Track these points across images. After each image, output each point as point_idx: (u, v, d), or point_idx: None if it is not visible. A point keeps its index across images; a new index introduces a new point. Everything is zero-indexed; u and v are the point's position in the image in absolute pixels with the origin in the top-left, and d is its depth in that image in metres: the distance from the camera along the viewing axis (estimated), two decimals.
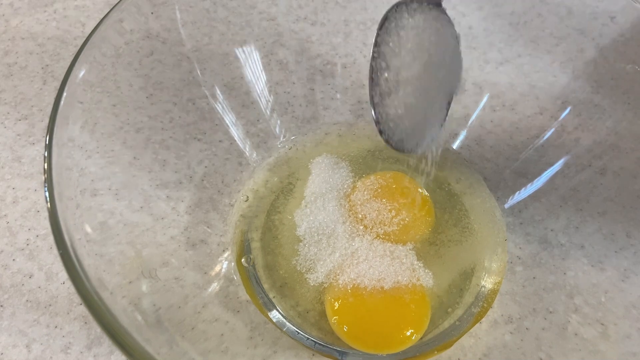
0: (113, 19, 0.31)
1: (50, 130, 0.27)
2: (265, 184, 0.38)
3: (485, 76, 0.40)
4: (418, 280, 0.32)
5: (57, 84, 0.42)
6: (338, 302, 0.31)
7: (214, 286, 0.33)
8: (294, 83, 0.41)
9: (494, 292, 0.33)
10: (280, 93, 0.41)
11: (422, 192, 0.36)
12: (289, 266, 0.34)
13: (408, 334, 0.30)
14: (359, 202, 0.35)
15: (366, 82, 0.43)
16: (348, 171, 0.37)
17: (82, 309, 0.33)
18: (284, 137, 0.40)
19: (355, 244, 0.33)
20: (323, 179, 0.37)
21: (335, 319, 0.31)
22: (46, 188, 0.26)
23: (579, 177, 0.35)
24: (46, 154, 0.26)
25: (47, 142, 0.27)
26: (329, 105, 0.41)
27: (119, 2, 0.31)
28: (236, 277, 0.34)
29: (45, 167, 0.26)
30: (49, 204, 0.26)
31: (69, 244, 0.25)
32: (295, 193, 0.37)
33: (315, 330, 0.32)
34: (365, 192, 0.35)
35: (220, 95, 0.39)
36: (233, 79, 0.40)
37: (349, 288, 0.31)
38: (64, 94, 0.27)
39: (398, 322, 0.31)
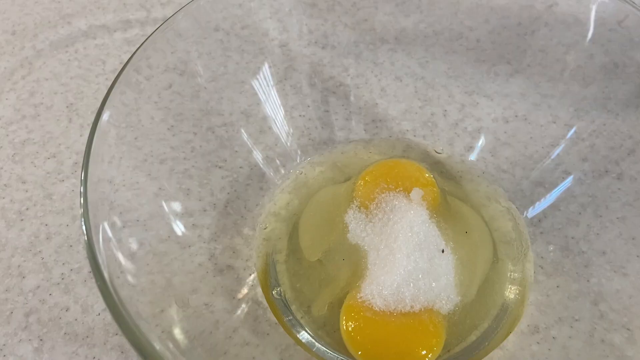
0: (134, 65, 0.33)
1: (85, 168, 0.28)
2: (287, 206, 0.39)
3: (496, 88, 0.41)
4: (438, 295, 0.32)
5: (82, 121, 0.43)
6: (351, 322, 0.32)
7: (243, 310, 0.34)
8: (308, 106, 0.42)
9: (520, 303, 0.33)
10: (295, 117, 0.42)
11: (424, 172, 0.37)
12: (314, 286, 0.35)
13: (422, 353, 0.31)
14: (368, 201, 0.36)
15: (379, 100, 0.44)
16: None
17: (118, 339, 0.34)
18: (302, 159, 0.41)
19: (375, 254, 0.34)
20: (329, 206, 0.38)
21: (346, 338, 0.32)
22: (83, 222, 0.27)
23: (597, 183, 0.36)
24: (82, 190, 0.28)
25: (82, 178, 0.28)
26: (344, 126, 0.42)
27: (138, 48, 0.33)
28: (264, 301, 0.34)
29: (82, 201, 0.28)
30: (85, 236, 0.27)
31: (107, 277, 0.26)
32: (315, 214, 0.38)
33: (343, 349, 0.33)
34: (371, 188, 0.36)
35: (238, 122, 0.40)
36: (250, 106, 0.41)
37: (362, 307, 0.32)
38: (95, 138, 0.29)
39: (410, 342, 0.31)
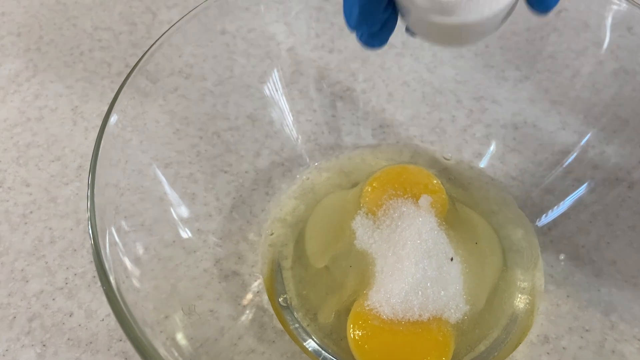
0: (141, 69, 0.32)
1: (92, 172, 0.28)
2: (293, 212, 0.38)
3: (505, 94, 0.41)
4: (446, 304, 0.32)
5: (87, 124, 0.43)
6: (358, 330, 0.31)
7: (249, 317, 0.34)
8: (315, 111, 0.42)
9: (530, 313, 0.33)
10: (302, 121, 0.41)
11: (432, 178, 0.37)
12: (321, 293, 0.34)
13: None
14: (375, 207, 0.35)
15: (386, 105, 0.44)
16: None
17: (122, 345, 0.33)
18: (309, 164, 0.41)
19: (383, 261, 0.33)
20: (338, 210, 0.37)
21: (354, 347, 0.31)
22: (90, 226, 0.27)
23: (607, 191, 0.35)
24: (89, 194, 0.28)
25: (89, 182, 0.28)
26: (351, 131, 0.42)
27: (146, 52, 0.33)
28: (269, 308, 0.34)
29: (89, 205, 0.27)
30: (92, 240, 0.27)
31: (113, 281, 0.26)
32: (322, 220, 0.38)
33: (350, 358, 0.32)
34: (378, 194, 0.36)
35: (244, 126, 0.40)
36: (255, 110, 0.40)
37: (369, 315, 0.31)
38: (102, 142, 0.28)
39: (418, 352, 0.31)
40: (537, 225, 0.36)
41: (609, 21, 0.37)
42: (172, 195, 0.36)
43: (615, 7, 0.36)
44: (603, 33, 0.38)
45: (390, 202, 0.35)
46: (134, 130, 0.34)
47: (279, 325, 0.33)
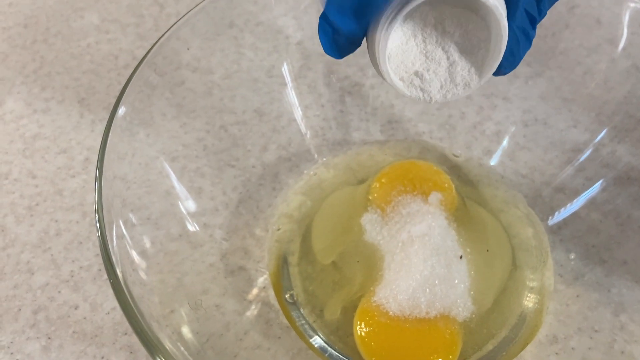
0: (149, 62, 0.32)
1: (100, 165, 0.28)
2: (300, 207, 0.38)
3: (516, 90, 0.40)
4: (454, 302, 0.32)
5: (94, 117, 0.43)
6: (365, 327, 0.31)
7: (255, 313, 0.33)
8: (323, 106, 0.41)
9: (539, 313, 0.32)
10: (310, 116, 0.41)
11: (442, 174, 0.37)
12: (327, 289, 0.34)
13: None
14: (384, 203, 0.35)
15: (395, 101, 0.43)
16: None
17: (128, 339, 0.33)
18: (316, 159, 0.40)
19: (390, 257, 0.33)
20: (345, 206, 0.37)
21: (360, 344, 0.31)
22: (97, 219, 0.27)
23: (619, 191, 0.35)
24: (96, 186, 0.27)
25: (97, 175, 0.28)
26: (359, 126, 0.41)
27: (153, 45, 0.32)
28: (275, 304, 0.34)
29: (96, 198, 0.27)
30: (99, 233, 0.27)
31: (120, 274, 0.26)
32: (329, 216, 0.37)
33: (357, 355, 0.32)
34: (387, 190, 0.35)
35: (251, 121, 0.40)
36: (263, 104, 0.40)
37: (376, 311, 0.31)
38: (110, 135, 0.28)
39: (425, 350, 0.31)
40: (547, 224, 0.36)
41: (622, 18, 0.37)
42: (179, 189, 0.36)
43: (628, 3, 0.36)
44: (616, 30, 0.37)
45: (399, 198, 0.35)
46: (141, 124, 0.34)
47: (285, 321, 0.33)
